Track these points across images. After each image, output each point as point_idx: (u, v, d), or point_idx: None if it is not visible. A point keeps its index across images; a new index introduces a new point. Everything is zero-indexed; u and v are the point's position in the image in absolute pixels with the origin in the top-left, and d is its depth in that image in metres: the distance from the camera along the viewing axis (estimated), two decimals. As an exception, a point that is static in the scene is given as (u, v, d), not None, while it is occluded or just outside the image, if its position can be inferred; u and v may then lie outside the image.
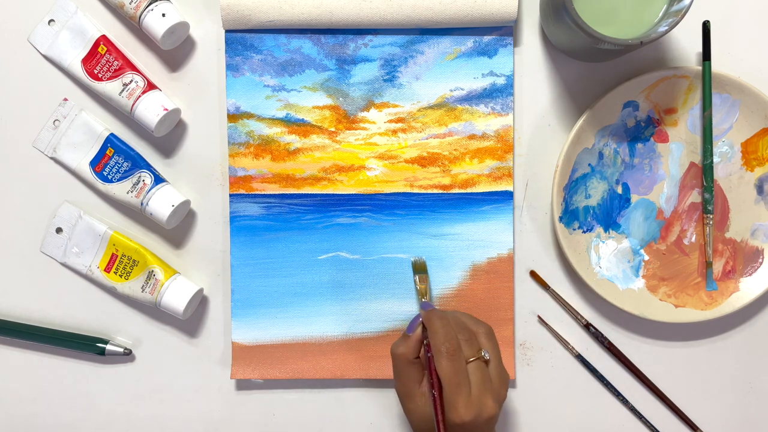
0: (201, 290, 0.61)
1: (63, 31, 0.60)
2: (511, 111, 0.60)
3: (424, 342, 0.53)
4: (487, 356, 0.52)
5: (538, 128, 0.61)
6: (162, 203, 0.58)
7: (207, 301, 0.62)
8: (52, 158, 0.62)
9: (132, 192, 0.59)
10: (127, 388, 0.63)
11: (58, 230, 0.62)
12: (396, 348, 0.54)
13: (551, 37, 0.59)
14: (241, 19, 0.59)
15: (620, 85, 0.58)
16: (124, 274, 0.60)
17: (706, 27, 0.59)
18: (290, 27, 0.59)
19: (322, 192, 0.61)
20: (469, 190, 0.61)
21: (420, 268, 0.60)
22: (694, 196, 0.61)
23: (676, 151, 0.60)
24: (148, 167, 0.60)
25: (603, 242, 0.61)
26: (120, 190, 0.60)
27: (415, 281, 0.60)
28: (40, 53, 0.61)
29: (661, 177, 0.61)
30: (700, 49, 0.59)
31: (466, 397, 0.50)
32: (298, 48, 0.60)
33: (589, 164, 0.60)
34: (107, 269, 0.61)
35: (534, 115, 0.61)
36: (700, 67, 0.58)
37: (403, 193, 0.61)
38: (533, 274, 0.62)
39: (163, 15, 0.57)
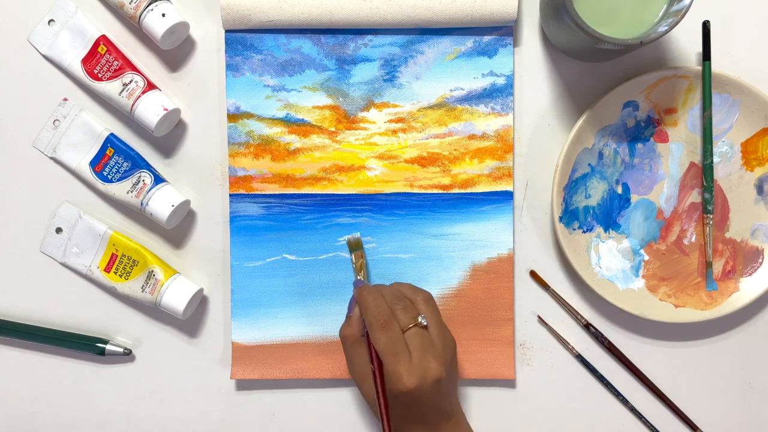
0: (201, 290, 0.61)
1: (63, 31, 0.60)
2: (511, 111, 0.60)
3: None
4: (424, 322, 0.53)
5: (538, 128, 0.61)
6: (162, 203, 0.58)
7: (207, 301, 0.62)
8: (52, 158, 0.62)
9: (132, 192, 0.59)
10: (127, 388, 0.63)
11: (58, 230, 0.62)
12: (342, 330, 0.55)
13: (551, 37, 0.59)
14: (241, 19, 0.59)
15: (620, 85, 0.58)
16: (124, 274, 0.60)
17: (706, 27, 0.59)
18: (290, 27, 0.59)
19: (322, 192, 0.61)
20: (469, 190, 0.61)
21: (355, 245, 0.60)
22: (694, 196, 0.61)
23: (676, 151, 0.60)
24: (148, 167, 0.60)
25: (603, 242, 0.61)
26: (120, 190, 0.60)
27: (351, 259, 0.60)
28: (40, 53, 0.61)
29: (661, 177, 0.61)
30: (700, 49, 0.59)
31: (407, 364, 0.51)
32: (298, 48, 0.60)
33: (589, 164, 0.60)
34: (107, 269, 0.61)
35: (534, 115, 0.61)
36: (700, 67, 0.58)
37: (403, 193, 0.61)
38: (533, 274, 0.62)
39: (163, 15, 0.57)
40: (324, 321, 0.61)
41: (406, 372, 0.51)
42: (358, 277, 0.59)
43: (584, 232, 0.61)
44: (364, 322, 0.53)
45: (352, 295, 0.56)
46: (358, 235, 0.60)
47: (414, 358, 0.51)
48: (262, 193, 0.61)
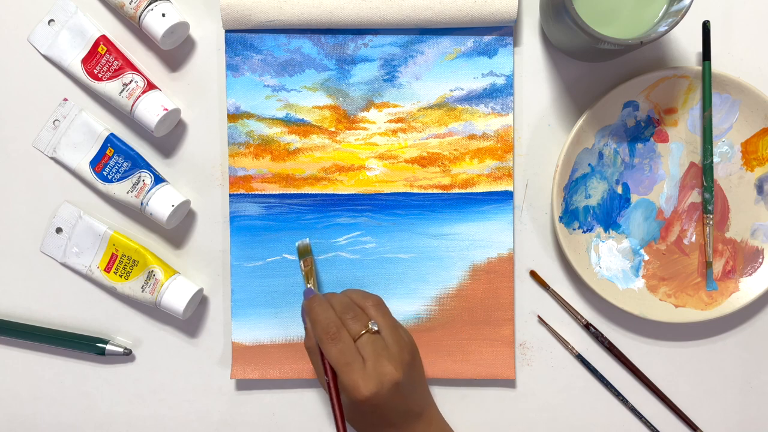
0: (201, 290, 0.61)
1: (63, 31, 0.60)
2: (511, 111, 0.60)
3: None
4: (375, 327, 0.53)
5: (538, 128, 0.61)
6: (162, 203, 0.58)
7: (207, 301, 0.62)
8: (52, 158, 0.62)
9: (132, 192, 0.59)
10: (127, 388, 0.63)
11: (58, 230, 0.62)
12: (305, 343, 0.55)
13: (551, 37, 0.59)
14: (241, 19, 0.59)
15: (620, 85, 0.58)
16: (124, 274, 0.60)
17: (706, 27, 0.59)
18: (290, 27, 0.59)
19: (322, 192, 0.61)
20: (469, 190, 0.61)
21: (304, 251, 0.60)
22: (694, 196, 0.61)
23: (676, 151, 0.60)
24: (148, 167, 0.60)
25: (603, 242, 0.61)
26: (120, 190, 0.60)
27: (300, 265, 0.59)
28: (40, 53, 0.61)
29: (661, 177, 0.61)
30: (700, 49, 0.59)
31: (361, 372, 0.51)
32: (298, 48, 0.60)
33: (589, 164, 0.60)
34: (107, 269, 0.61)
35: (534, 115, 0.61)
36: (700, 67, 0.58)
37: (403, 193, 0.61)
38: (533, 274, 0.62)
39: (163, 15, 0.57)
40: (324, 321, 0.61)
41: (362, 380, 0.50)
42: (308, 286, 0.58)
43: (584, 232, 0.61)
44: (315, 335, 0.53)
45: (302, 305, 0.56)
46: (307, 240, 0.60)
47: (368, 365, 0.51)
48: (262, 193, 0.61)
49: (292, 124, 0.61)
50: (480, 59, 0.60)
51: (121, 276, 0.60)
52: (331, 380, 0.52)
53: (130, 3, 0.58)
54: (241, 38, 0.60)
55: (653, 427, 0.62)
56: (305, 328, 0.55)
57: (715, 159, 0.60)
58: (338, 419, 0.51)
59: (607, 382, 0.62)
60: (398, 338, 0.53)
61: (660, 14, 0.54)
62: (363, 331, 0.52)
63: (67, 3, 0.60)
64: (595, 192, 0.60)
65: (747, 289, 0.60)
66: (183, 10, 0.60)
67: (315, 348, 0.54)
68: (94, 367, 0.63)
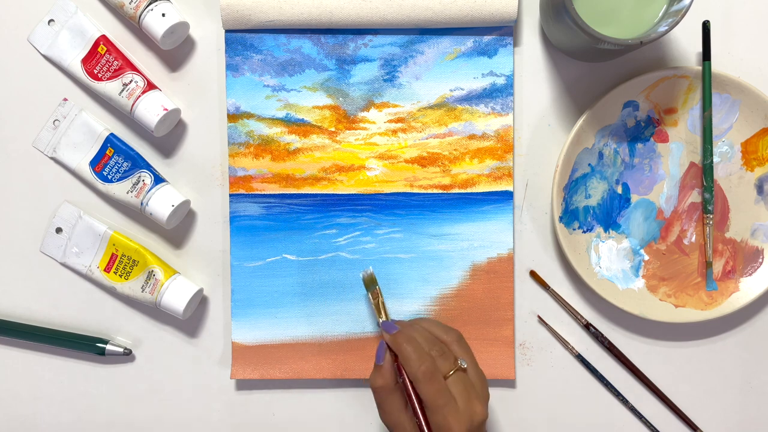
0: (201, 290, 0.61)
1: (63, 31, 0.60)
2: (511, 111, 0.60)
3: (396, 366, 0.53)
4: (464, 365, 0.52)
5: (538, 128, 0.61)
6: (162, 203, 0.58)
7: (207, 301, 0.62)
8: (52, 158, 0.62)
9: (132, 192, 0.59)
10: (127, 388, 0.63)
11: (58, 230, 0.62)
12: (374, 381, 0.53)
13: (551, 37, 0.59)
14: (241, 19, 0.59)
15: (620, 85, 0.58)
16: (124, 274, 0.60)
17: (706, 27, 0.59)
18: (290, 27, 0.59)
19: (322, 192, 0.61)
20: (469, 190, 0.61)
21: (370, 282, 0.57)
22: (694, 196, 0.61)
23: (676, 151, 0.60)
24: (148, 167, 0.60)
25: (603, 242, 0.61)
26: (120, 190, 0.60)
27: (368, 298, 0.58)
28: (40, 53, 0.61)
29: (661, 177, 0.61)
30: (700, 49, 0.59)
31: (455, 413, 0.50)
32: (298, 48, 0.60)
33: (589, 164, 0.60)
34: (107, 269, 0.61)
35: (534, 115, 0.61)
36: (700, 67, 0.58)
37: (403, 193, 0.61)
38: (533, 274, 0.62)
39: (163, 15, 0.57)
40: (324, 321, 0.61)
41: (456, 421, 0.50)
42: (383, 320, 0.55)
43: (584, 232, 0.61)
44: (406, 373, 0.52)
45: (381, 342, 0.54)
46: (371, 270, 0.58)
47: (460, 405, 0.50)
48: (262, 193, 0.61)
49: (292, 124, 0.61)
50: (480, 59, 0.60)
51: (121, 276, 0.60)
52: (424, 421, 0.51)
53: (130, 3, 0.58)
54: (241, 38, 0.60)
55: (653, 427, 0.62)
56: (377, 366, 0.53)
57: (715, 159, 0.60)
58: None
59: (607, 382, 0.62)
60: (481, 374, 0.53)
61: (660, 14, 0.54)
62: (453, 370, 0.51)
63: (67, 3, 0.60)
64: (595, 192, 0.60)
65: (747, 289, 0.60)
66: (183, 10, 0.60)
67: (389, 388, 0.52)
68: (94, 367, 0.63)
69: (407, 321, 0.56)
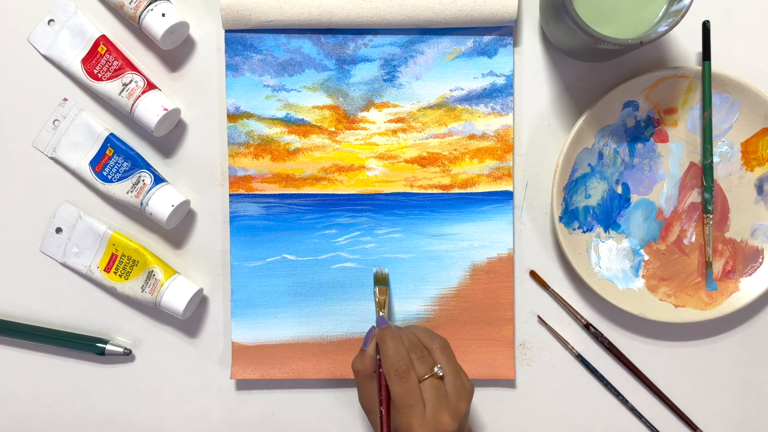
0: (201, 290, 0.61)
1: (63, 31, 0.60)
2: (511, 111, 0.60)
3: (377, 357, 0.54)
4: (440, 372, 0.52)
5: (538, 128, 0.61)
6: (162, 203, 0.58)
7: (207, 301, 0.62)
8: (51, 158, 0.62)
9: (132, 192, 0.59)
10: (127, 388, 0.63)
11: (58, 230, 0.62)
12: (355, 364, 0.55)
13: (551, 37, 0.59)
14: (241, 19, 0.59)
15: (620, 85, 0.58)
16: (124, 274, 0.60)
17: (706, 27, 0.59)
18: (290, 27, 0.59)
19: (322, 192, 0.61)
20: (469, 190, 0.61)
21: (381, 280, 0.59)
22: (694, 196, 0.61)
23: (676, 151, 0.60)
24: (148, 167, 0.60)
25: (603, 242, 0.61)
26: (120, 190, 0.60)
27: (374, 292, 0.59)
28: (40, 53, 0.61)
29: (661, 177, 0.61)
30: (700, 49, 0.59)
31: (420, 417, 0.50)
32: (298, 48, 0.60)
33: (589, 164, 0.60)
34: (107, 269, 0.61)
35: (534, 115, 0.61)
36: (700, 67, 0.58)
37: (403, 193, 0.61)
38: (533, 274, 0.62)
39: (163, 15, 0.57)
40: (324, 321, 0.61)
41: (419, 425, 0.50)
42: (381, 314, 0.57)
43: (584, 232, 0.61)
44: (382, 366, 0.53)
45: (370, 328, 0.55)
46: (386, 270, 0.60)
47: (428, 411, 0.51)
48: (262, 193, 0.61)
49: (292, 124, 0.61)
50: (480, 59, 0.60)
51: (121, 276, 0.60)
52: (385, 414, 0.52)
53: (130, 3, 0.58)
54: (241, 38, 0.60)
55: (653, 427, 0.62)
56: (362, 350, 0.55)
57: (715, 159, 0.60)
58: None
59: (607, 382, 0.62)
60: (459, 386, 0.53)
61: (660, 14, 0.54)
62: (428, 375, 0.52)
63: (67, 3, 0.60)
64: (595, 192, 0.60)
65: (747, 289, 0.60)
66: (183, 10, 0.60)
67: (366, 372, 0.54)
68: (94, 367, 0.63)
69: (400, 326, 0.57)
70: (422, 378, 0.52)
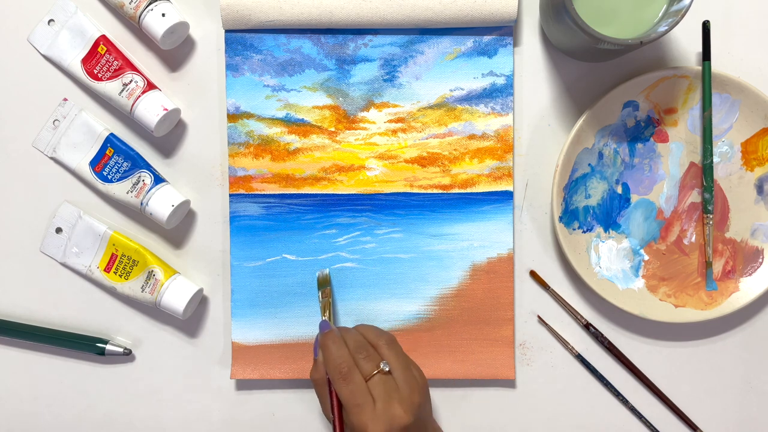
0: (201, 290, 0.61)
1: (63, 31, 0.60)
2: (511, 111, 0.60)
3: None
4: (386, 368, 0.52)
5: (538, 128, 0.61)
6: (162, 203, 0.58)
7: (207, 301, 0.62)
8: (51, 158, 0.62)
9: (132, 192, 0.59)
10: (126, 388, 0.63)
11: (58, 230, 0.62)
12: (311, 374, 0.55)
13: (551, 37, 0.59)
14: (241, 19, 0.59)
15: (620, 85, 0.58)
16: (124, 274, 0.60)
17: (706, 27, 0.59)
18: (290, 27, 0.59)
19: (322, 192, 0.61)
20: (469, 190, 0.61)
21: (323, 282, 0.59)
22: (694, 196, 0.61)
23: (676, 151, 0.60)
24: (148, 167, 0.60)
25: (603, 242, 0.61)
26: (120, 190, 0.60)
27: (318, 296, 0.59)
28: (40, 53, 0.61)
29: (661, 177, 0.61)
30: (700, 49, 0.59)
31: (371, 414, 0.50)
32: (298, 48, 0.60)
33: (589, 164, 0.60)
34: (107, 269, 0.61)
35: (534, 115, 0.61)
36: (700, 67, 0.58)
37: (403, 193, 0.61)
38: (533, 274, 0.62)
39: (163, 15, 0.57)
40: (324, 321, 0.61)
41: (371, 421, 0.50)
42: (324, 318, 0.57)
43: (584, 232, 0.61)
44: (327, 372, 0.53)
45: (316, 337, 0.56)
46: (327, 271, 0.60)
47: (378, 407, 0.51)
48: (262, 193, 0.61)
49: (292, 124, 0.61)
50: (480, 59, 0.60)
51: (121, 276, 0.60)
52: (337, 418, 0.52)
53: (130, 3, 0.58)
54: (241, 38, 0.60)
55: (653, 427, 0.62)
56: (315, 359, 0.55)
57: (715, 159, 0.60)
58: None
59: (607, 382, 0.62)
60: (410, 379, 0.53)
61: (660, 14, 0.54)
62: (375, 372, 0.52)
63: (67, 3, 0.60)
64: (595, 192, 0.60)
65: (747, 289, 0.60)
66: (183, 10, 0.60)
67: (323, 380, 0.54)
68: (94, 367, 0.63)
69: (347, 327, 0.57)
70: (369, 376, 0.52)
